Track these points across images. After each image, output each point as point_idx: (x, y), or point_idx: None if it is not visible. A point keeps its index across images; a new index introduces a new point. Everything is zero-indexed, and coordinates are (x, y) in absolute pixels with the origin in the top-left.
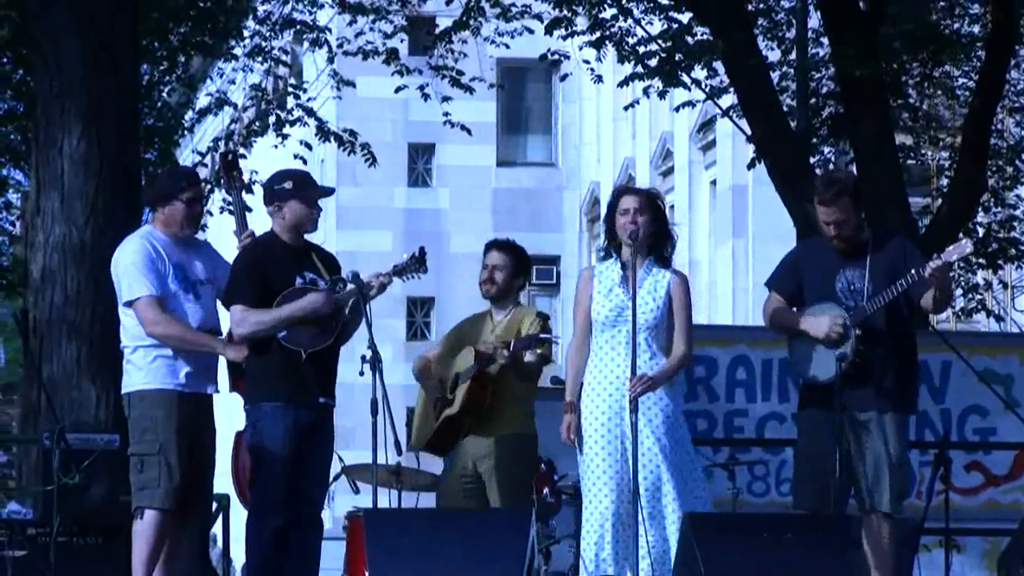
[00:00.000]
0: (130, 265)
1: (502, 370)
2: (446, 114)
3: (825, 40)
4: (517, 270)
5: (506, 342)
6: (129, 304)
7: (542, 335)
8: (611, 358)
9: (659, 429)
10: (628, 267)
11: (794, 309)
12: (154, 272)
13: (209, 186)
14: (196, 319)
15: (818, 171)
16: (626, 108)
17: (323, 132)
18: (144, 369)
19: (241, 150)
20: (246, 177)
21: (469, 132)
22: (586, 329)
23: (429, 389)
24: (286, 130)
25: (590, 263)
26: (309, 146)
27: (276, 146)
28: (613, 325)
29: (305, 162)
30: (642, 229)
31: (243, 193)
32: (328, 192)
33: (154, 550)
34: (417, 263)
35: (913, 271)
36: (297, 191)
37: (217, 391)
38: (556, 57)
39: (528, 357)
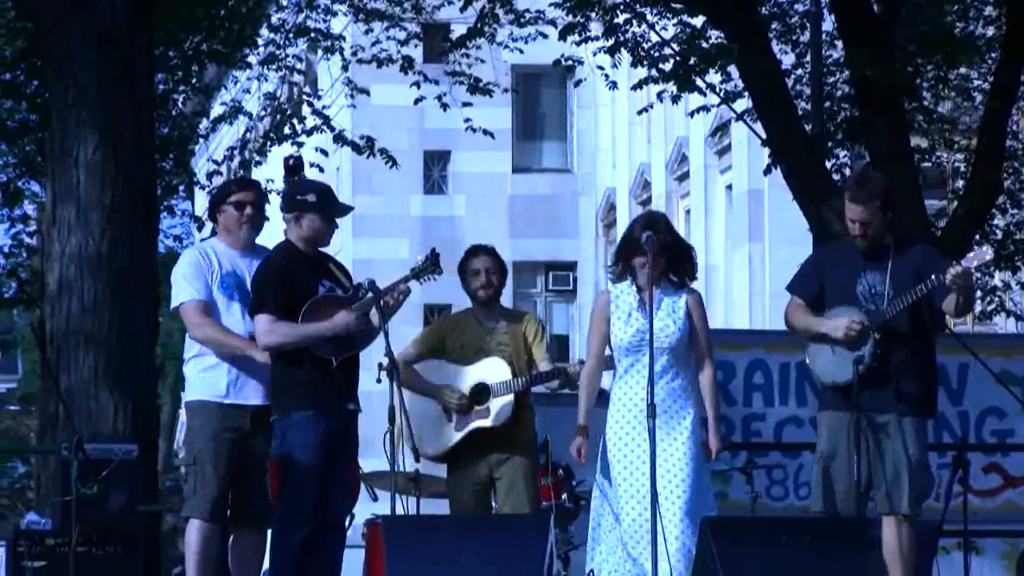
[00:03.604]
0: (178, 273)
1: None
2: (467, 119)
3: (839, 43)
4: (503, 273)
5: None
6: (176, 310)
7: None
8: (636, 381)
9: (685, 443)
10: (644, 291)
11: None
12: (200, 279)
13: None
14: (247, 326)
15: (834, 175)
16: (640, 112)
17: (340, 139)
18: (192, 381)
19: (257, 157)
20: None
21: (492, 136)
22: (601, 354)
23: (433, 392)
24: (302, 138)
25: (606, 283)
26: (325, 152)
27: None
28: (637, 350)
29: (322, 170)
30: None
31: None
32: (347, 210)
33: (200, 559)
34: (432, 264)
35: (934, 276)
36: (319, 205)
37: (265, 401)
38: (570, 63)
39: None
